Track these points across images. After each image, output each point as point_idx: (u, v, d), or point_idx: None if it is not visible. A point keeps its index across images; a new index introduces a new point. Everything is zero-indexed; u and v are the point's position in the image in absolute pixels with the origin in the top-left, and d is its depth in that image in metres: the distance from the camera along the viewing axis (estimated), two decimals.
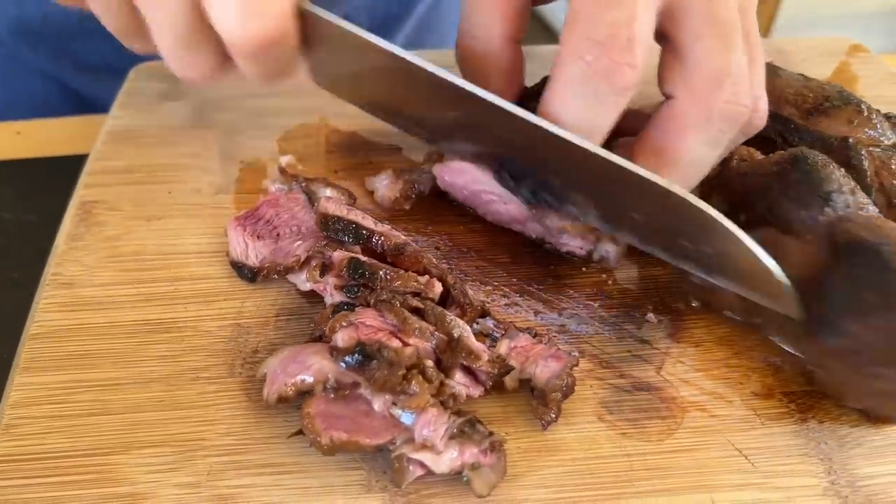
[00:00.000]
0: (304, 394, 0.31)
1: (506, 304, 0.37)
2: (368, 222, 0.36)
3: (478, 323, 0.35)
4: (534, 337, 0.34)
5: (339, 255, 0.35)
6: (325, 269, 0.35)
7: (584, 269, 0.39)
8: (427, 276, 0.34)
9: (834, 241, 0.34)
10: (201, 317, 0.36)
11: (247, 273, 0.37)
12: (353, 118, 0.47)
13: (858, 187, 0.37)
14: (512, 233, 0.41)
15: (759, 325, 0.36)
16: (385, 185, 0.42)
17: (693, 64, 0.33)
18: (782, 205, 0.36)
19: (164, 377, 0.34)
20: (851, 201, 0.36)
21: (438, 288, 0.34)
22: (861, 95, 0.51)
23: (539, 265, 0.40)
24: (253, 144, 0.46)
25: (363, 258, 0.34)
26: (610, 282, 0.39)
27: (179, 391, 0.33)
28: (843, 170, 0.37)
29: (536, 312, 0.37)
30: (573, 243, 0.39)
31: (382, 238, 0.35)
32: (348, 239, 0.35)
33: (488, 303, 0.37)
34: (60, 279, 0.38)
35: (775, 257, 0.33)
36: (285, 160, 0.44)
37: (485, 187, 0.39)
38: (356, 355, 0.30)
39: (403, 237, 0.36)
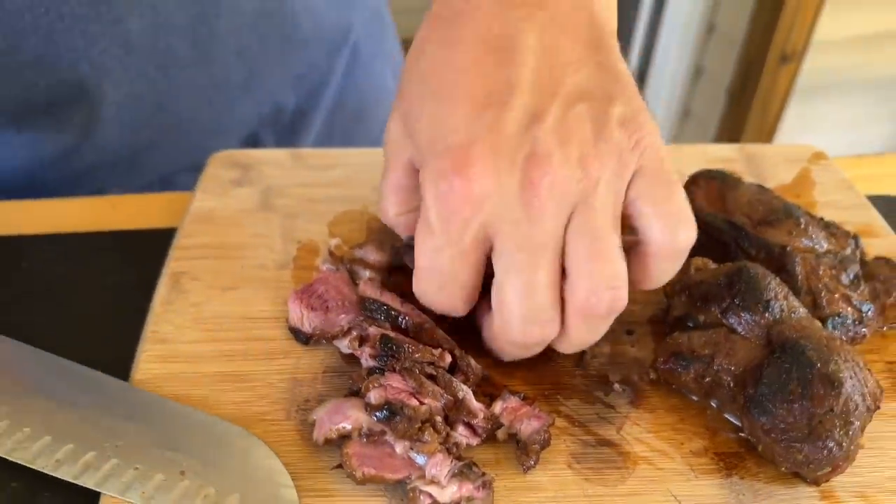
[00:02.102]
0: (345, 437, 0.41)
1: (502, 373, 0.47)
2: (396, 303, 0.46)
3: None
4: (522, 399, 0.44)
5: (373, 330, 0.45)
6: (363, 340, 0.45)
7: None
8: (440, 349, 0.44)
9: (770, 341, 0.44)
10: (266, 371, 0.47)
11: (301, 337, 0.48)
12: None
13: (791, 293, 0.47)
14: None
15: (711, 402, 0.46)
16: (371, 255, 0.52)
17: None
18: (731, 310, 0.46)
19: (238, 418, 0.44)
20: (785, 306, 0.45)
21: (448, 359, 0.44)
22: (815, 200, 0.61)
23: None
24: (307, 227, 0.57)
25: (392, 334, 0.44)
26: (587, 357, 0.49)
27: (249, 430, 0.44)
28: (778, 279, 0.47)
29: (526, 381, 0.47)
30: None
31: (407, 317, 0.46)
32: (381, 317, 0.46)
33: (486, 373, 0.47)
34: (157, 335, 0.48)
35: (726, 353, 0.43)
36: (334, 243, 0.55)
37: None
38: (384, 411, 0.40)
39: (423, 316, 0.46)
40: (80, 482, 0.41)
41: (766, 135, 2.03)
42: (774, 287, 0.46)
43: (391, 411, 0.40)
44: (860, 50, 1.93)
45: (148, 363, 0.47)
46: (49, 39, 0.58)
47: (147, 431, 0.43)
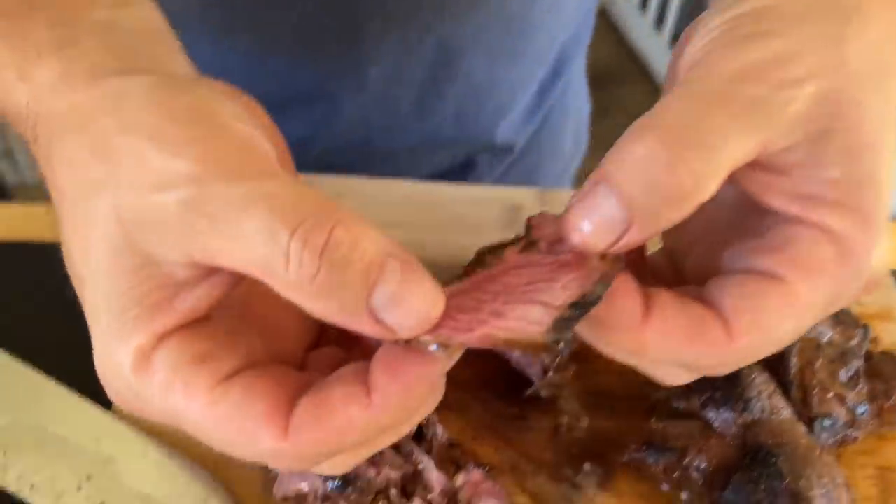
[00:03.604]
0: (302, 497, 0.42)
1: (473, 438, 0.47)
2: None
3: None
4: (486, 472, 0.44)
5: None
6: None
7: (544, 411, 0.49)
8: None
9: (745, 442, 0.43)
10: None
11: None
12: None
13: (777, 391, 0.45)
14: (496, 368, 0.51)
15: (682, 494, 0.45)
16: None
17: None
18: (710, 403, 0.44)
19: (209, 460, 0.45)
20: (767, 406, 0.44)
21: (412, 428, 0.44)
22: None
23: (510, 405, 0.49)
24: None
25: None
26: (563, 429, 0.48)
27: (217, 475, 0.45)
28: (766, 374, 0.45)
29: (497, 448, 0.47)
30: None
31: None
32: None
33: (454, 439, 0.47)
34: None
35: (699, 449, 0.42)
36: None
37: None
38: (338, 481, 0.40)
39: None
40: None
41: None
42: (759, 384, 0.44)
43: (345, 481, 0.40)
44: None
45: None
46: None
47: (120, 467, 0.44)
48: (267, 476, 0.44)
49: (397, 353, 0.28)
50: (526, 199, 0.63)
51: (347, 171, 0.65)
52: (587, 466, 0.46)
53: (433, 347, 0.27)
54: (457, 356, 0.29)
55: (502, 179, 0.80)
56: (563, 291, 0.28)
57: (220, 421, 0.28)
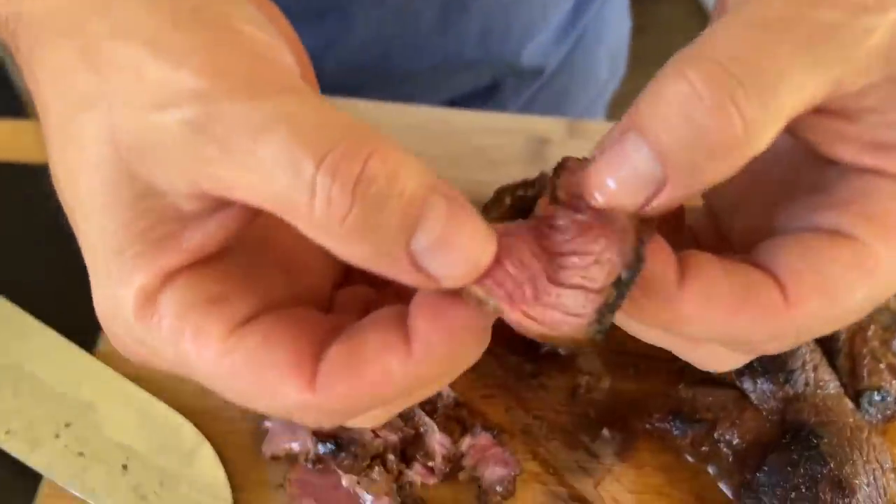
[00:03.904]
0: (293, 457, 0.39)
1: (483, 396, 0.43)
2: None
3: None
4: (494, 437, 0.40)
5: None
6: None
7: (562, 370, 0.45)
8: None
9: (784, 419, 0.38)
10: None
11: None
12: None
13: (824, 362, 0.40)
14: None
15: (708, 468, 0.40)
16: None
17: None
18: (748, 372, 0.40)
19: (194, 411, 0.42)
20: (812, 379, 0.39)
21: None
22: None
23: (526, 361, 0.45)
24: None
25: None
26: (582, 390, 0.44)
27: (203, 427, 0.41)
28: (814, 342, 0.40)
29: (508, 409, 0.43)
30: None
31: None
32: None
33: (461, 396, 0.43)
34: None
35: (732, 422, 0.38)
36: None
37: None
38: (330, 444, 0.37)
39: None
40: (26, 461, 0.40)
41: None
42: (804, 354, 0.39)
43: (337, 445, 0.37)
44: None
45: None
46: None
47: (100, 415, 0.41)
48: (256, 431, 0.41)
49: (440, 297, 0.23)
50: (554, 131, 0.57)
51: (361, 93, 0.59)
52: (606, 432, 0.42)
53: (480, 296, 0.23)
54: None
55: (529, 107, 0.73)
56: (599, 268, 0.23)
57: (237, 372, 0.24)
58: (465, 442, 0.40)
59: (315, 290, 0.29)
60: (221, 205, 0.24)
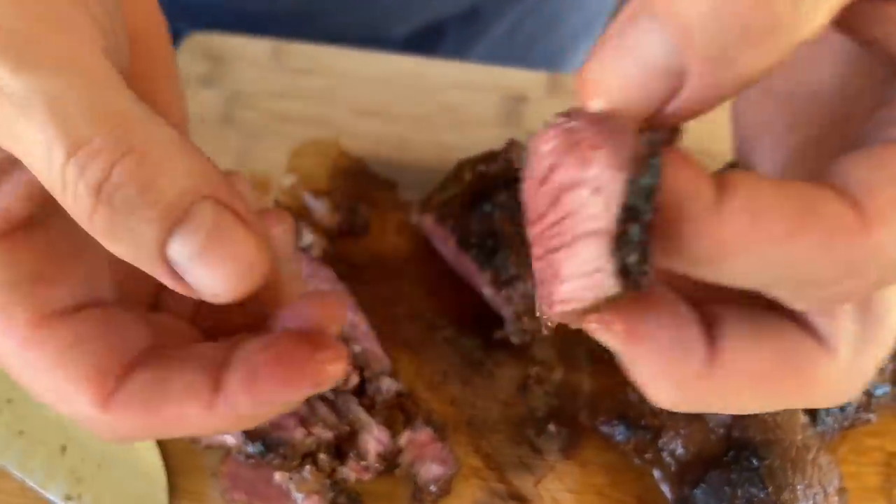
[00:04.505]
0: (227, 450, 0.38)
1: (430, 383, 0.42)
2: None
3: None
4: (435, 433, 0.40)
5: None
6: None
7: (513, 359, 0.43)
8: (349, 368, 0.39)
9: (729, 434, 0.37)
10: None
11: None
12: (363, 140, 0.50)
13: None
14: (466, 301, 0.44)
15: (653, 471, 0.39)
16: (321, 212, 0.46)
17: None
18: None
19: None
20: None
21: (354, 381, 0.39)
22: None
23: (478, 347, 0.44)
24: (266, 155, 0.50)
25: None
26: (532, 381, 0.43)
27: None
28: None
29: (453, 401, 0.42)
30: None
31: None
32: None
33: (405, 389, 0.41)
34: None
35: (677, 432, 0.36)
36: (288, 182, 0.48)
37: None
38: (259, 445, 0.36)
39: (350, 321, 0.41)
40: None
41: None
42: None
43: (266, 446, 0.36)
44: None
45: None
46: None
47: None
48: None
49: (267, 357, 0.22)
50: (532, 87, 0.53)
51: (332, 17, 0.56)
52: (552, 428, 0.41)
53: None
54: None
55: (514, 33, 0.69)
56: (598, 199, 0.18)
57: (37, 369, 0.22)
58: (404, 437, 0.39)
59: (143, 281, 0.26)
60: (17, 162, 0.22)
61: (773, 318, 0.21)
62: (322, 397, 0.38)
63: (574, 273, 0.18)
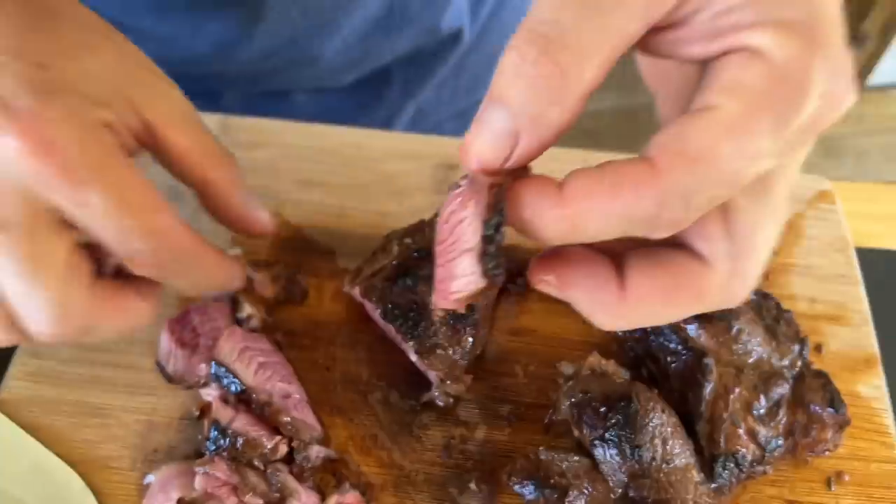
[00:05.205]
0: None
1: (360, 450, 0.45)
2: (249, 374, 0.44)
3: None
4: (364, 494, 0.43)
5: (215, 404, 0.43)
6: (203, 412, 0.43)
7: (439, 420, 0.46)
8: (277, 438, 0.42)
9: (626, 493, 0.40)
10: (125, 407, 0.46)
11: (165, 376, 0.47)
12: (304, 210, 0.54)
13: (680, 430, 0.41)
14: (398, 362, 0.47)
15: None
16: (261, 284, 0.49)
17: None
18: (601, 442, 0.40)
19: (85, 460, 0.44)
20: (659, 454, 0.40)
21: (283, 450, 0.42)
22: (794, 262, 0.53)
23: (408, 410, 0.47)
24: (213, 227, 0.53)
25: (225, 419, 0.42)
26: (455, 441, 0.46)
27: (92, 476, 0.44)
28: (665, 414, 0.41)
29: (382, 463, 0.45)
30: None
31: (255, 393, 0.43)
32: (230, 388, 0.44)
33: (336, 454, 0.44)
34: (30, 349, 0.48)
35: (581, 491, 0.39)
36: (234, 253, 0.51)
37: None
38: None
39: (277, 390, 0.44)
40: None
41: None
42: (655, 427, 0.40)
43: None
44: None
45: (17, 380, 0.47)
46: None
47: None
48: (139, 485, 0.44)
49: None
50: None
51: (284, 74, 0.63)
52: (472, 485, 0.44)
53: None
54: None
55: (458, 74, 0.73)
56: (468, 228, 0.29)
57: None
58: (333, 500, 0.42)
59: None
60: None
61: (667, 251, 0.30)
62: (253, 467, 0.41)
63: (459, 274, 0.30)
